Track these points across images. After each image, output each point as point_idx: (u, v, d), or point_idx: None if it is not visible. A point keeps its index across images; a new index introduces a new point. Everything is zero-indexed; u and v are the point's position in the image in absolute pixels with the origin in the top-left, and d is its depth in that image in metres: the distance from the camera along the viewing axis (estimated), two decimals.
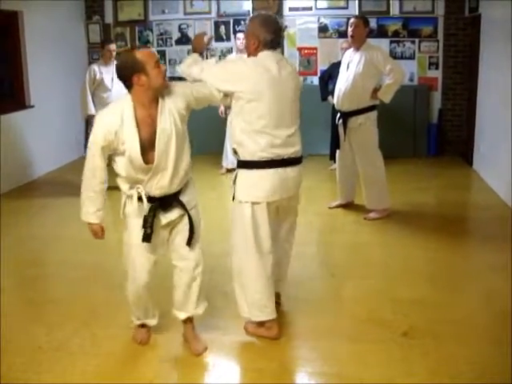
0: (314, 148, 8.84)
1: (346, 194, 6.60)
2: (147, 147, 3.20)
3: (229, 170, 8.01)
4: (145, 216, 3.33)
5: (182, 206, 3.43)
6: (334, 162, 7.09)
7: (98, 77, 7.21)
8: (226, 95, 3.56)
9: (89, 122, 7.32)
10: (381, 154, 6.20)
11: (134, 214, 3.40)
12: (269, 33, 3.57)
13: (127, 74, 3.14)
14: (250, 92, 3.45)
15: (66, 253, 5.54)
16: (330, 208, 6.62)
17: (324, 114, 8.23)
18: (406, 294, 4.41)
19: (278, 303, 3.95)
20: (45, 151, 8.63)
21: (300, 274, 4.72)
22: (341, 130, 6.22)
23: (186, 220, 3.46)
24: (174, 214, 3.45)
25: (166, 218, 3.42)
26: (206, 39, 3.77)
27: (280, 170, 3.57)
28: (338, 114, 6.26)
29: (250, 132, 3.49)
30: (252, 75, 3.48)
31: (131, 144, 3.16)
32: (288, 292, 4.29)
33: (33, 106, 8.35)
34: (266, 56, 3.56)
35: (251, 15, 3.76)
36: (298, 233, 4.07)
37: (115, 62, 3.27)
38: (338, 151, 6.49)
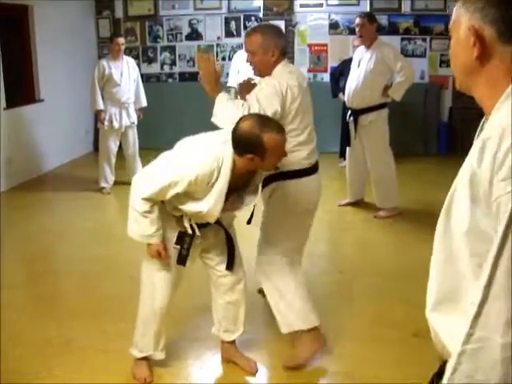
0: (324, 145, 8.76)
1: (355, 192, 6.57)
2: None
3: None
4: (181, 233, 3.02)
5: (219, 224, 3.14)
6: (344, 159, 7.06)
7: (106, 72, 7.18)
8: None
9: (98, 116, 7.31)
10: (391, 152, 6.18)
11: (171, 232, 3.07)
12: (283, 40, 3.44)
13: (244, 149, 2.74)
14: (305, 104, 3.33)
15: (76, 247, 5.54)
16: (339, 206, 6.60)
17: (334, 112, 8.20)
18: (417, 293, 4.36)
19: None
20: (54, 145, 8.63)
21: (310, 272, 4.69)
22: (351, 127, 6.20)
23: (223, 239, 3.23)
24: (211, 232, 3.18)
25: (202, 237, 3.11)
26: (217, 67, 3.34)
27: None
28: (349, 112, 6.25)
29: (298, 143, 3.35)
30: (296, 90, 3.26)
31: (215, 202, 2.82)
32: None
33: (42, 100, 8.36)
34: (290, 67, 3.40)
35: (255, 28, 3.42)
36: None
37: (237, 128, 2.76)
38: (348, 149, 6.47)
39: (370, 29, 5.98)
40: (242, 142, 2.74)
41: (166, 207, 3.01)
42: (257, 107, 3.09)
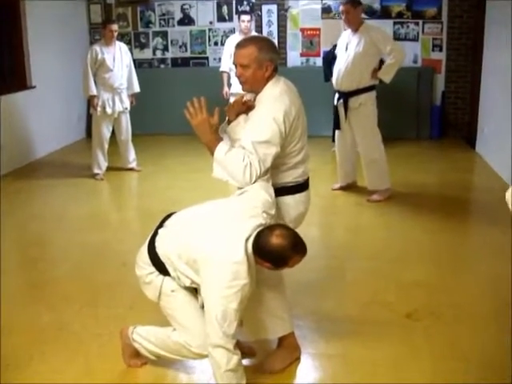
0: (317, 129, 8.79)
1: (346, 175, 6.60)
2: None
3: None
4: None
5: None
6: None
7: (99, 57, 7.14)
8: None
9: (90, 102, 7.28)
10: (380, 133, 6.22)
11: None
12: (277, 55, 3.23)
13: (267, 259, 2.73)
14: (303, 129, 3.20)
15: (69, 233, 5.54)
16: (333, 190, 6.61)
17: (326, 96, 8.20)
18: (410, 276, 4.41)
19: None
20: (46, 132, 8.61)
21: None
22: (341, 110, 6.25)
23: None
24: None
25: None
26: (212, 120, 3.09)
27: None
28: (337, 95, 6.30)
29: (295, 163, 3.21)
30: (297, 110, 3.12)
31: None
32: (290, 273, 4.28)
33: (34, 87, 8.31)
34: (281, 85, 3.15)
35: (248, 40, 3.18)
36: None
37: (269, 241, 2.69)
38: (337, 132, 6.49)
39: (356, 13, 6.04)
40: (270, 256, 2.72)
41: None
42: (256, 162, 2.94)
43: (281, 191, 3.18)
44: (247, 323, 3.30)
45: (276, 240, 2.68)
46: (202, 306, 2.83)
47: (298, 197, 3.27)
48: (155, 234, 3.02)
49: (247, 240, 2.72)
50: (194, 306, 2.99)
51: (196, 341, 2.94)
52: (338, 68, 6.16)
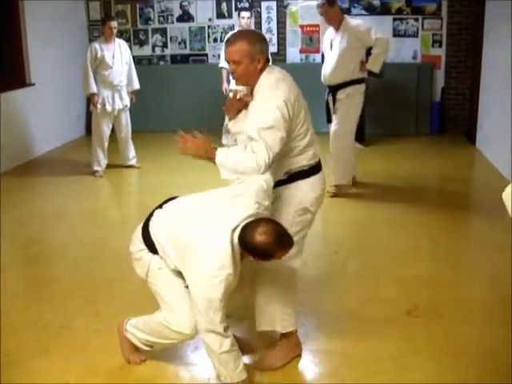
0: (316, 126, 8.77)
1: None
2: None
3: None
4: None
5: None
6: None
7: (99, 54, 7.14)
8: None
9: (91, 100, 7.26)
10: (354, 133, 6.31)
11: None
12: (267, 45, 3.22)
13: (253, 253, 2.73)
14: (305, 111, 3.22)
15: (69, 230, 5.55)
16: (333, 186, 6.59)
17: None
18: (410, 271, 4.41)
19: None
20: (46, 129, 8.60)
21: (304, 252, 4.70)
22: (331, 103, 6.30)
23: None
24: None
25: None
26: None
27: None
28: (327, 89, 6.35)
29: (304, 146, 3.22)
30: (296, 95, 3.12)
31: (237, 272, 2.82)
32: None
33: (33, 84, 8.30)
34: (276, 73, 3.15)
35: (236, 35, 3.20)
36: None
37: (254, 237, 2.67)
38: (330, 127, 6.50)
39: (333, 12, 6.10)
40: (255, 251, 2.71)
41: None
42: (264, 149, 2.92)
43: (297, 176, 3.21)
44: (258, 313, 3.32)
45: (259, 237, 2.66)
46: (187, 286, 2.87)
47: (313, 179, 3.27)
48: (152, 213, 3.09)
49: (234, 230, 2.73)
50: (179, 285, 3.01)
51: (176, 319, 2.98)
52: (326, 66, 6.23)
